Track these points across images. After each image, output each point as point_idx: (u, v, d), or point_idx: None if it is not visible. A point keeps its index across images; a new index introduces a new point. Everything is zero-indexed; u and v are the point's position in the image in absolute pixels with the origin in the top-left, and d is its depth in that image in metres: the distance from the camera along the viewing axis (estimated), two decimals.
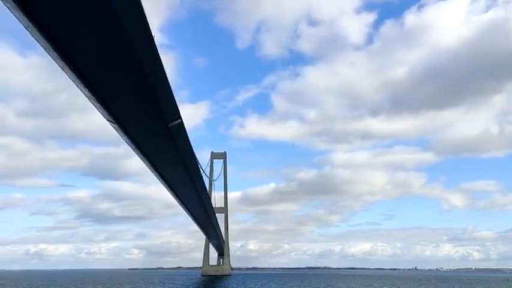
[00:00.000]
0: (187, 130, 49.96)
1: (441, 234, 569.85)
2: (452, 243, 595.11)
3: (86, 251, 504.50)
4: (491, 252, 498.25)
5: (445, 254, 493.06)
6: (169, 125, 42.42)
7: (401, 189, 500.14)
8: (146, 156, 52.45)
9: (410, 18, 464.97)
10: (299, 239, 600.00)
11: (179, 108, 42.34)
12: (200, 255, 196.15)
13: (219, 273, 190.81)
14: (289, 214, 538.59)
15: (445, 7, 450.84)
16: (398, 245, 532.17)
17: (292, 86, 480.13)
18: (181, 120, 44.13)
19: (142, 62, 29.81)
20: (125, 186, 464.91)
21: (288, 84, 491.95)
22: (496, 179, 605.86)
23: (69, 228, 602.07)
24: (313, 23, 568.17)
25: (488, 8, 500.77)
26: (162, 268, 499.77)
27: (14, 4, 21.72)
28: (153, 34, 28.09)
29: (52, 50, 26.18)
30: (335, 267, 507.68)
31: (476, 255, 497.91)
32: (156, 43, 29.46)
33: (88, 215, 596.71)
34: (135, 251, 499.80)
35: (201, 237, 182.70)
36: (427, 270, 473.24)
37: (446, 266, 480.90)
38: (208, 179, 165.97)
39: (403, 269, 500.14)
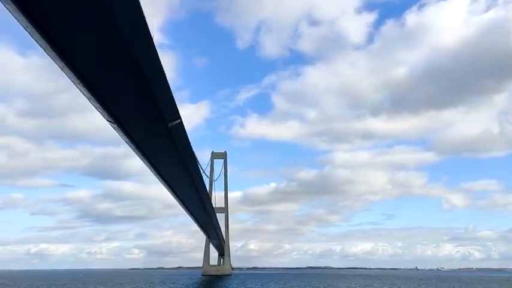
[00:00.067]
0: (187, 130, 50.13)
1: (442, 234, 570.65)
2: (453, 243, 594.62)
3: (87, 251, 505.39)
4: (492, 252, 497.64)
5: (446, 253, 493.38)
6: (169, 125, 42.52)
7: (401, 189, 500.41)
8: (146, 156, 52.56)
9: (411, 18, 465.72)
10: (300, 238, 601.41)
11: (179, 108, 42.53)
12: (201, 255, 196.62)
13: (219, 273, 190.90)
14: (289, 214, 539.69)
15: (445, 7, 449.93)
16: (399, 244, 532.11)
17: (292, 86, 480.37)
18: (181, 120, 44.21)
19: (141, 62, 29.92)
20: (126, 186, 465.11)
21: (289, 84, 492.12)
22: (497, 179, 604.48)
23: (69, 228, 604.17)
24: (313, 22, 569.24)
25: (488, 8, 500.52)
26: (162, 268, 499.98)
27: (13, 5, 21.81)
28: (152, 34, 28.15)
29: (51, 50, 26.30)
30: (336, 267, 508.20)
31: (477, 255, 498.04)
32: (155, 43, 29.55)
33: (88, 215, 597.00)
34: (136, 251, 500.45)
35: (202, 237, 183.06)
36: (427, 270, 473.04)
37: (447, 266, 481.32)
38: (208, 179, 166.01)
39: (404, 269, 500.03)
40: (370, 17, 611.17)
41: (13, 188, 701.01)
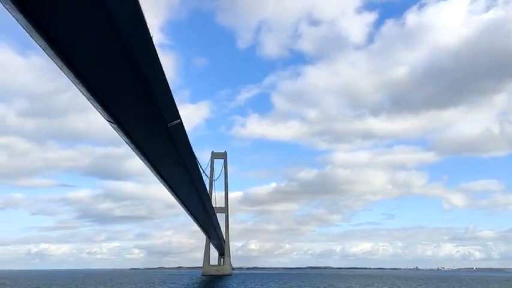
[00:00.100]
0: (188, 130, 50.15)
1: (442, 233, 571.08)
2: (453, 243, 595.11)
3: (87, 251, 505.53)
4: (492, 252, 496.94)
5: (447, 253, 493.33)
6: (169, 125, 42.50)
7: (402, 189, 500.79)
8: (146, 156, 52.57)
9: (411, 18, 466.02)
10: (300, 238, 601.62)
11: (179, 108, 42.51)
12: (201, 255, 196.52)
13: (219, 273, 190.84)
14: (290, 214, 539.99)
15: (445, 7, 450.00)
16: (400, 244, 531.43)
17: (293, 86, 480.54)
18: (181, 120, 44.18)
19: (141, 62, 29.89)
20: (126, 186, 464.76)
21: (289, 84, 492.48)
22: (497, 179, 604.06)
23: (70, 228, 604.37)
24: (313, 22, 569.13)
25: (488, 8, 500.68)
26: (163, 268, 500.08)
27: (12, 5, 21.79)
28: (151, 34, 28.11)
29: (50, 50, 26.28)
30: (336, 267, 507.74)
31: (477, 255, 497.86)
32: (154, 43, 29.51)
33: (89, 215, 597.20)
34: (136, 251, 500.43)
35: (202, 237, 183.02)
36: (428, 270, 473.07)
37: (447, 266, 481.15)
38: (208, 179, 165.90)
39: (404, 269, 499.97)
40: (371, 17, 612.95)
41: (13, 188, 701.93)
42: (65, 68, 28.58)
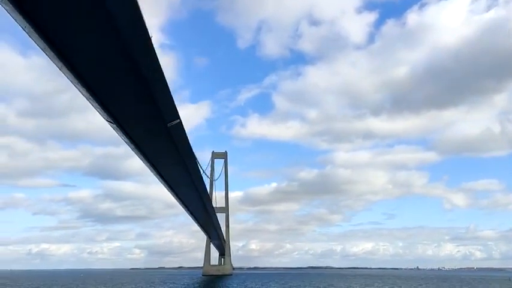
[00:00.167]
0: (188, 130, 50.24)
1: (443, 233, 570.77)
2: (454, 243, 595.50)
3: (88, 250, 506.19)
4: (493, 252, 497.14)
5: (447, 253, 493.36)
6: (168, 125, 42.53)
7: (402, 189, 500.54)
8: (146, 156, 52.61)
9: (412, 17, 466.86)
10: (301, 238, 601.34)
11: (180, 108, 42.63)
12: (201, 255, 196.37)
13: (220, 273, 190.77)
14: (290, 214, 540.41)
15: (446, 6, 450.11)
16: (400, 244, 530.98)
17: (293, 86, 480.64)
18: (180, 120, 44.21)
19: (140, 62, 29.92)
20: (126, 186, 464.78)
21: (289, 84, 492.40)
22: (498, 178, 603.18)
23: (71, 228, 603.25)
24: (314, 22, 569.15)
25: (489, 8, 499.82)
26: (163, 268, 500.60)
27: (10, 5, 21.81)
28: (150, 34, 28.12)
29: (50, 50, 26.30)
30: (337, 266, 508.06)
31: (478, 254, 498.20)
32: (153, 43, 29.54)
33: (90, 215, 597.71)
34: (137, 250, 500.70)
35: (203, 237, 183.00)
36: (429, 269, 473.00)
37: (448, 266, 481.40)
38: (209, 179, 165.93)
39: (405, 269, 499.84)
40: (371, 17, 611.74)
41: (14, 188, 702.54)
42: (65, 69, 28.61)
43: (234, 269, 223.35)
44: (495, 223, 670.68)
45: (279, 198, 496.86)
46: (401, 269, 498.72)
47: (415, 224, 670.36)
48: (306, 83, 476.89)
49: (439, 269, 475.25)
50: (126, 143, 46.55)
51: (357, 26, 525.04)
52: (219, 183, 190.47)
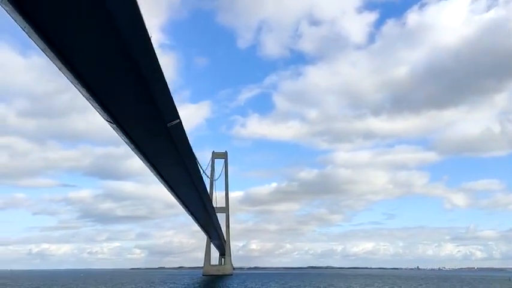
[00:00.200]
0: (188, 130, 50.32)
1: (443, 233, 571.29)
2: (454, 243, 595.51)
3: (88, 250, 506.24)
4: (493, 252, 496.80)
5: (448, 253, 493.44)
6: (168, 125, 42.56)
7: (403, 189, 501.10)
8: (145, 156, 52.62)
9: (412, 17, 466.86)
10: (301, 238, 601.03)
11: (180, 108, 42.71)
12: (202, 255, 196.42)
13: (220, 273, 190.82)
14: (290, 214, 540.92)
15: (446, 6, 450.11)
16: (401, 244, 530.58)
17: (293, 86, 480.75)
18: (180, 120, 44.24)
19: (140, 62, 29.93)
20: (127, 186, 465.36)
21: (290, 84, 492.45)
22: (498, 178, 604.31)
23: (71, 228, 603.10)
24: (314, 22, 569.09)
25: (489, 7, 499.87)
26: (163, 268, 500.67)
27: (10, 6, 21.82)
28: (150, 34, 28.14)
29: (49, 50, 26.30)
30: (337, 266, 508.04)
31: (478, 254, 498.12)
32: (153, 43, 29.56)
33: (90, 215, 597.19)
34: (137, 250, 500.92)
35: (203, 237, 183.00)
36: (429, 269, 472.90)
37: (448, 266, 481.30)
38: (209, 179, 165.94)
39: (405, 269, 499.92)
40: (371, 17, 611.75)
41: (15, 188, 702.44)
42: (64, 69, 28.62)
43: (234, 269, 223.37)
44: (495, 223, 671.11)
45: (279, 198, 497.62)
46: (401, 269, 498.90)
47: (415, 224, 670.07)
48: (306, 83, 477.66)
49: (439, 269, 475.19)
50: (126, 143, 46.57)
51: (357, 26, 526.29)
52: (219, 183, 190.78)
